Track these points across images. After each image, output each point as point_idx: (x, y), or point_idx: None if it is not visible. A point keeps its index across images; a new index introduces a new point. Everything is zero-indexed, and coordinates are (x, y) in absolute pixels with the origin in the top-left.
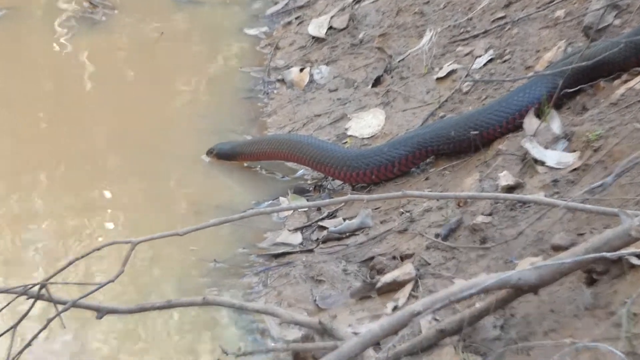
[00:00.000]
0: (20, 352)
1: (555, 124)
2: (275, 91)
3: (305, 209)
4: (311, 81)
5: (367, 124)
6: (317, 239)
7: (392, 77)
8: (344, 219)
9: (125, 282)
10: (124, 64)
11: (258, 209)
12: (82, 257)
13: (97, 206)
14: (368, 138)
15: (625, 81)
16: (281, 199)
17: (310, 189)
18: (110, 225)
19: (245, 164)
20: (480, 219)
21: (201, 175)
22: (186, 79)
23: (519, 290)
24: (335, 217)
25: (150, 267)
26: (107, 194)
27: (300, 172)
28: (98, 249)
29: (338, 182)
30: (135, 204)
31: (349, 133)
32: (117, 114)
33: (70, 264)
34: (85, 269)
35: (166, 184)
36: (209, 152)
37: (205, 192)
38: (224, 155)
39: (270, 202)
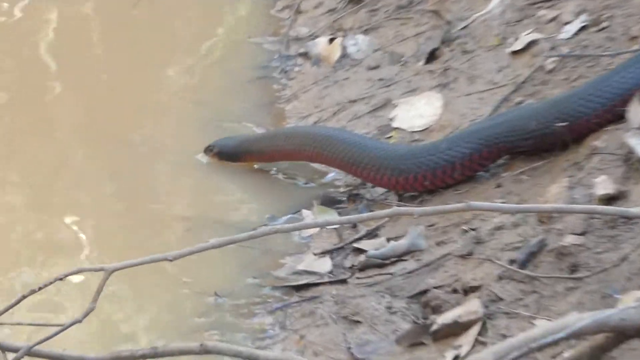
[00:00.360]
0: None
1: None
2: (296, 69)
3: (337, 226)
4: (344, 55)
5: (418, 113)
6: (352, 265)
7: (451, 51)
8: (388, 240)
9: (96, 322)
10: (95, 38)
11: (273, 226)
12: (40, 289)
13: (60, 221)
14: (420, 131)
15: None
16: (304, 212)
17: (343, 199)
18: (77, 247)
19: (255, 166)
20: (569, 239)
21: (197, 182)
22: (177, 56)
23: (621, 334)
24: (376, 236)
25: (130, 302)
26: (74, 206)
27: (330, 176)
28: (61, 279)
29: (380, 189)
30: (111, 218)
31: (394, 124)
32: (87, 101)
33: (24, 298)
34: (44, 305)
35: (151, 193)
36: (208, 150)
37: (203, 203)
38: (228, 154)
39: (289, 216)
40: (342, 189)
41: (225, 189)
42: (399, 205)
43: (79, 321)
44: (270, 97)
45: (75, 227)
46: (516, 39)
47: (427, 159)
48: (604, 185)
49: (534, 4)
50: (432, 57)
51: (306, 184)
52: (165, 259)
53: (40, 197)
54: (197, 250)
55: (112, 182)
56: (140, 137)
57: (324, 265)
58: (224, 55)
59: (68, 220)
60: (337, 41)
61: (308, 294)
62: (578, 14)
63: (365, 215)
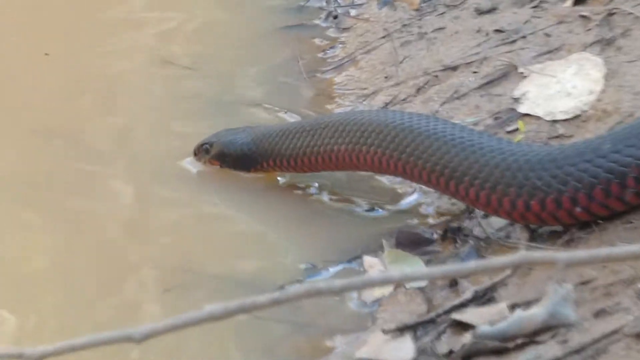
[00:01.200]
0: None
1: None
2: (353, 12)
3: (423, 284)
4: None
5: (563, 90)
6: (451, 351)
7: None
8: (512, 307)
9: None
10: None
11: (313, 284)
12: None
13: None
14: (566, 121)
15: None
16: (367, 259)
17: (434, 237)
18: None
19: (280, 179)
20: None
21: (183, 206)
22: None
23: None
24: (490, 301)
25: None
26: None
27: (412, 198)
28: None
29: (498, 221)
30: (44, 267)
31: (521, 109)
32: (23, 82)
33: None
34: None
35: (108, 226)
36: (201, 152)
37: (193, 243)
38: (234, 157)
39: (341, 267)
40: (431, 220)
41: (231, 219)
42: (530, 249)
43: None
44: (310, 61)
45: None
46: None
47: (579, 170)
48: None
49: None
50: None
51: (370, 211)
52: (130, 340)
53: None
54: (183, 324)
55: (44, 206)
56: (92, 132)
57: (402, 350)
58: None
59: None
60: None
61: None
62: None
63: (472, 265)
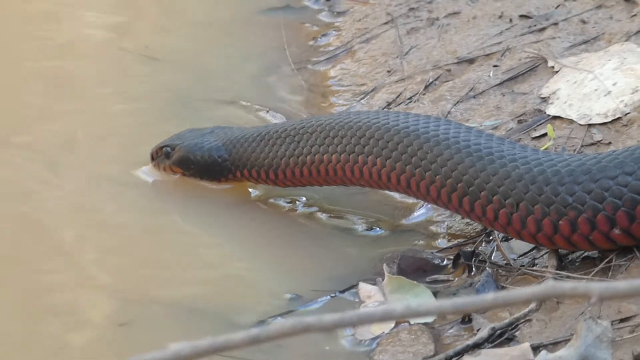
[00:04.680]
0: None
1: None
2: None
3: (431, 319)
4: None
5: (600, 87)
6: None
7: None
8: (536, 348)
9: None
10: None
11: (300, 318)
12: None
13: None
14: (603, 124)
15: None
16: (363, 287)
17: (444, 261)
18: None
19: (252, 192)
20: None
21: (138, 222)
22: None
23: None
24: (511, 340)
25: None
26: None
27: (418, 215)
28: None
29: (519, 244)
30: None
31: (550, 110)
32: None
33: None
34: None
35: (46, 248)
36: (160, 157)
37: (148, 265)
38: (200, 164)
39: (332, 296)
40: (441, 243)
41: (196, 239)
42: (558, 278)
43: None
44: (298, 50)
45: None
46: None
47: (619, 184)
48: None
49: None
50: None
51: (368, 230)
52: None
53: None
54: None
55: None
56: (34, 136)
57: None
58: None
59: None
60: None
61: None
62: None
63: (489, 297)
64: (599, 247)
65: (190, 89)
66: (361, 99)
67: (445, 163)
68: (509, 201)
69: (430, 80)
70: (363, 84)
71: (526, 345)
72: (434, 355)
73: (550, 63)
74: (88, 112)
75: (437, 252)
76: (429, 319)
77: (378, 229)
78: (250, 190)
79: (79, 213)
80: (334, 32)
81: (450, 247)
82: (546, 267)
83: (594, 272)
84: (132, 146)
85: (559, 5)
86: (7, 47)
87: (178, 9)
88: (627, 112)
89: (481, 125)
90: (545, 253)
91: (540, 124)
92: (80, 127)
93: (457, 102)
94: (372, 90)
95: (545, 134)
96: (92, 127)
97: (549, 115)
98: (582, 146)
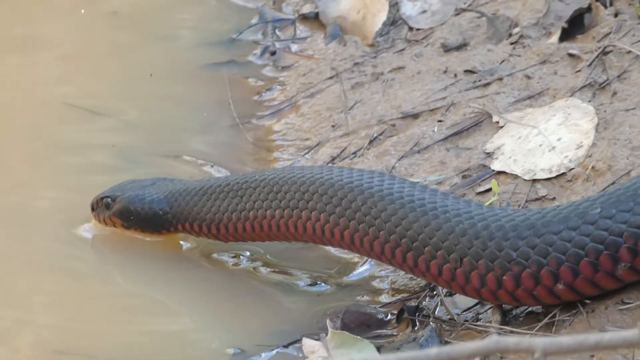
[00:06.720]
0: None
1: None
2: (295, 48)
3: None
4: (394, 22)
5: (545, 143)
6: None
7: (610, 16)
8: None
9: None
10: None
11: None
12: None
13: None
14: (548, 180)
15: None
16: (306, 342)
17: (388, 317)
18: None
19: (188, 245)
20: None
21: (74, 279)
22: (59, 29)
23: None
24: None
25: None
26: None
27: (362, 270)
28: None
29: (464, 300)
30: None
31: (494, 166)
32: None
33: None
34: None
35: None
36: (100, 208)
37: (85, 325)
38: (141, 216)
39: (275, 352)
40: (385, 298)
41: (139, 298)
42: (502, 333)
43: None
44: (242, 105)
45: None
46: None
47: (562, 239)
48: None
49: None
50: (576, 26)
51: (312, 285)
52: None
53: None
54: None
55: None
56: None
57: None
58: (151, 12)
59: None
60: None
61: None
62: None
63: (433, 352)
64: (543, 302)
65: (133, 144)
66: (305, 153)
67: (389, 218)
68: (453, 256)
69: (375, 135)
70: (307, 139)
71: None
72: None
73: (495, 118)
74: (26, 163)
75: (380, 307)
76: None
77: (322, 284)
78: (181, 242)
79: (16, 270)
80: (278, 86)
81: (394, 302)
82: (490, 322)
83: (538, 327)
84: (73, 201)
85: (503, 61)
86: None
87: (121, 61)
88: (572, 167)
89: (425, 181)
90: (489, 308)
91: (485, 179)
92: (18, 179)
93: (402, 157)
94: (317, 145)
95: (489, 189)
96: (29, 179)
97: (493, 171)
98: (526, 201)
